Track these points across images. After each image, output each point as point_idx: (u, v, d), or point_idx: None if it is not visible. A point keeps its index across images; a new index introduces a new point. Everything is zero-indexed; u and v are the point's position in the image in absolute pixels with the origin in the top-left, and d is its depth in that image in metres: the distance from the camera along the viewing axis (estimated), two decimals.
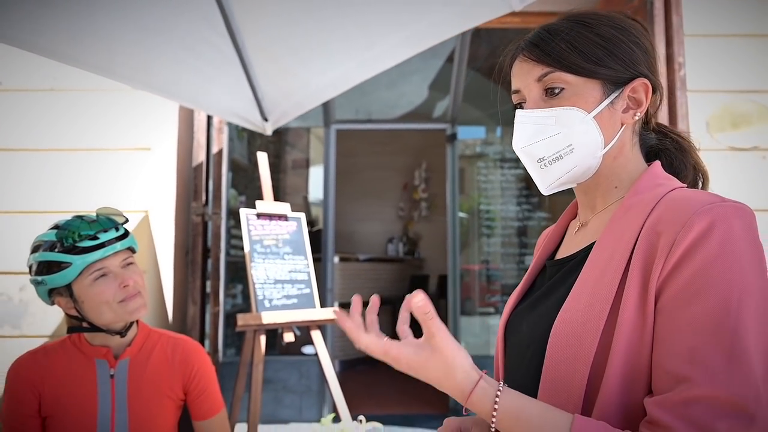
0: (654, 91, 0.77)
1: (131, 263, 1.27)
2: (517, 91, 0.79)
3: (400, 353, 0.65)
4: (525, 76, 0.76)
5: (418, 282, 5.80)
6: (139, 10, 1.63)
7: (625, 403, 0.64)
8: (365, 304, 0.72)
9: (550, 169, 0.75)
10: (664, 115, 2.65)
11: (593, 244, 0.74)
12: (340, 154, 4.24)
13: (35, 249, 1.23)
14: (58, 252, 1.19)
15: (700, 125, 2.64)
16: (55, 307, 2.95)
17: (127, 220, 1.31)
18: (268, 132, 2.47)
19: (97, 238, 1.21)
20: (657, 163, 0.77)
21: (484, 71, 4.55)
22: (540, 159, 0.75)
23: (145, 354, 1.31)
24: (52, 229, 1.24)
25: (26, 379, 1.24)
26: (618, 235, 0.70)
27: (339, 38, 1.90)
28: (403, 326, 0.69)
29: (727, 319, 0.59)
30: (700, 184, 0.82)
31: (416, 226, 7.15)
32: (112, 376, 1.27)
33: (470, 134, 4.71)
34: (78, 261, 1.19)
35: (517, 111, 0.77)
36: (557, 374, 0.67)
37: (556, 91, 0.74)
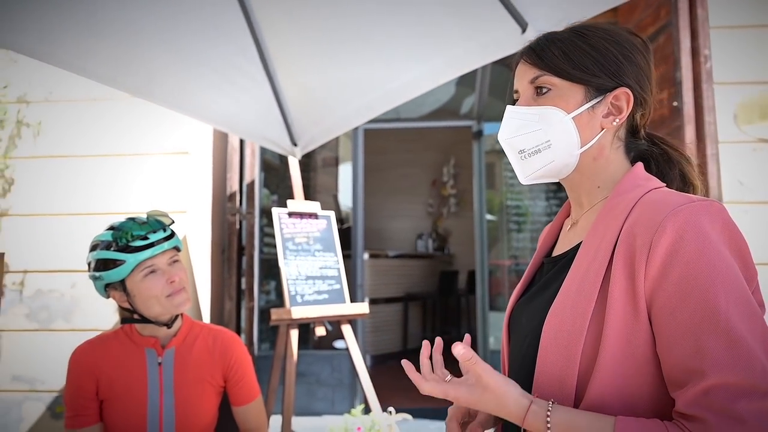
0: (639, 103, 0.83)
1: (177, 261, 1.39)
2: (516, 91, 0.87)
3: (457, 393, 0.74)
4: (521, 77, 0.85)
5: (448, 278, 5.84)
6: (179, 41, 1.77)
7: (621, 388, 0.70)
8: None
9: (530, 160, 0.83)
10: (690, 109, 2.64)
11: (582, 242, 0.80)
12: (368, 152, 4.32)
13: (93, 248, 1.35)
14: (114, 251, 1.31)
15: (727, 117, 2.62)
16: (103, 303, 3.12)
17: (172, 222, 1.42)
18: (298, 156, 2.59)
19: (147, 239, 1.32)
20: (639, 165, 0.83)
21: (510, 67, 4.56)
22: (521, 151, 0.83)
23: (188, 344, 1.42)
24: (108, 230, 1.36)
25: (86, 364, 1.37)
26: (600, 236, 0.76)
27: (365, 71, 2.03)
28: (439, 369, 0.79)
29: (717, 312, 0.65)
30: (690, 193, 0.85)
31: (445, 222, 7.18)
32: (159, 364, 1.39)
33: (497, 130, 4.71)
34: (131, 259, 1.31)
35: (507, 107, 0.86)
36: (550, 365, 0.74)
37: (544, 90, 0.82)
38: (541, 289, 0.86)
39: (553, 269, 0.86)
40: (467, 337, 0.80)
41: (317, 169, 6.48)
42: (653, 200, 0.74)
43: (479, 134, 4.25)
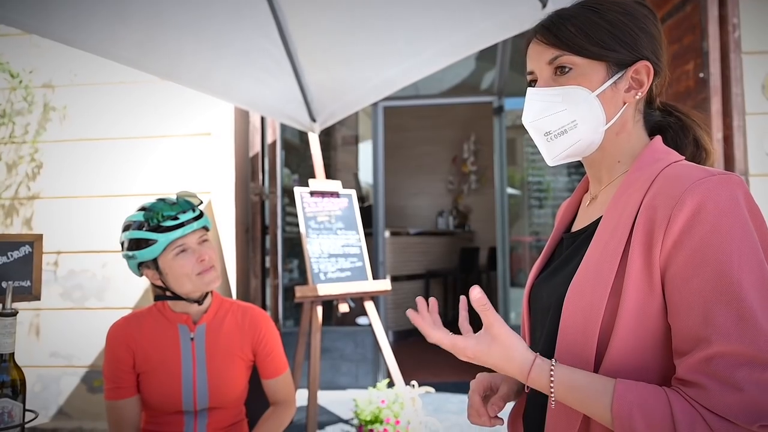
0: (657, 74, 0.82)
1: (206, 240, 1.43)
2: (530, 72, 0.86)
3: (465, 344, 0.75)
4: (537, 58, 0.83)
5: (469, 254, 5.85)
6: (204, 24, 1.79)
7: (633, 361, 0.72)
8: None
9: (556, 142, 0.82)
10: (717, 80, 2.57)
11: (601, 217, 0.81)
12: (388, 129, 4.31)
13: (126, 228, 1.40)
14: (146, 230, 1.35)
15: (755, 88, 2.55)
16: (133, 281, 3.21)
17: (201, 202, 1.46)
18: (316, 132, 2.61)
19: (178, 218, 1.36)
20: (657, 139, 0.82)
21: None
22: (546, 133, 0.82)
23: (219, 320, 1.47)
24: (139, 210, 1.40)
25: (122, 339, 1.42)
26: (620, 210, 0.76)
27: (385, 47, 2.03)
28: (464, 323, 0.81)
29: (730, 283, 0.66)
30: (703, 159, 0.86)
31: (466, 199, 7.16)
32: (192, 339, 1.44)
33: (519, 105, 4.66)
34: (162, 238, 1.35)
35: (528, 89, 0.84)
36: (571, 335, 0.75)
37: (565, 70, 0.81)
38: (561, 265, 0.87)
39: (573, 244, 0.86)
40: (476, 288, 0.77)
41: (337, 147, 6.50)
42: (673, 174, 0.74)
43: (500, 110, 4.21)
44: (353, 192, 3.00)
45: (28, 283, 1.06)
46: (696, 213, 0.68)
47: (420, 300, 0.83)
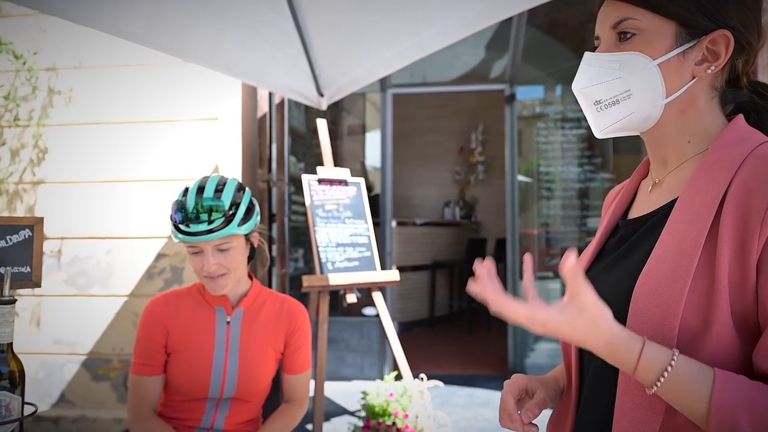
0: (741, 48, 0.73)
1: (225, 249, 1.33)
2: (597, 38, 0.78)
3: (546, 317, 0.64)
4: (604, 21, 0.76)
5: (476, 245, 5.79)
6: None
7: (735, 356, 0.63)
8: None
9: (606, 112, 0.74)
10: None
11: (673, 201, 0.73)
12: (395, 118, 4.24)
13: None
14: (171, 220, 1.34)
15: None
16: (138, 268, 3.14)
17: (235, 210, 1.33)
18: (323, 107, 2.55)
19: (189, 227, 1.30)
20: (740, 117, 0.74)
21: (545, 28, 4.38)
22: (597, 101, 0.75)
23: (257, 306, 1.45)
24: (181, 192, 1.36)
25: (158, 316, 1.40)
26: (702, 192, 0.68)
27: (398, 19, 1.94)
28: (530, 287, 0.69)
29: None
30: None
31: (473, 190, 7.10)
32: (228, 323, 1.42)
33: (529, 94, 4.58)
34: (177, 235, 1.33)
35: (585, 53, 0.77)
36: (643, 331, 0.66)
37: (628, 35, 0.73)
38: (625, 253, 0.78)
39: (637, 232, 0.78)
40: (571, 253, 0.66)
41: (344, 136, 6.44)
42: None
43: (512, 98, 4.12)
44: (362, 180, 2.94)
45: (28, 269, 1.01)
46: None
47: (482, 266, 0.69)
